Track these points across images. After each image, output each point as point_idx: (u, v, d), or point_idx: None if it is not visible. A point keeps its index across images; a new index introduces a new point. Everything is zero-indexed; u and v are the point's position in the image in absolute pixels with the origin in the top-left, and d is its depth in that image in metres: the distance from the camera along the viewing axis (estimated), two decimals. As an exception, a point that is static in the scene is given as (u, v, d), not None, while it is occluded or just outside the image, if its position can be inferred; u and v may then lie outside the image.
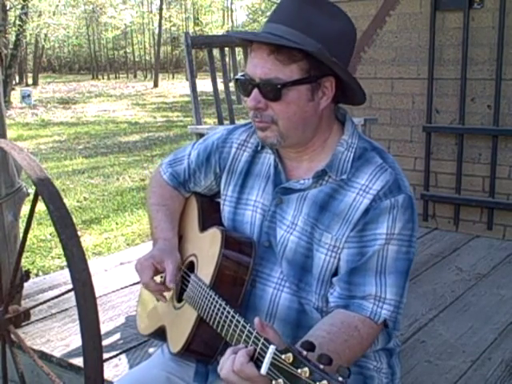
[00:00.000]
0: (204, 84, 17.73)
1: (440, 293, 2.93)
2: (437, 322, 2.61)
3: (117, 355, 2.33)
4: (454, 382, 2.14)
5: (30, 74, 31.58)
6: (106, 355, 2.11)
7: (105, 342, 2.22)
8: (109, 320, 2.66)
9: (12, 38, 21.22)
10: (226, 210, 1.46)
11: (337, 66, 1.23)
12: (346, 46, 1.28)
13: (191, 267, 1.43)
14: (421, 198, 3.99)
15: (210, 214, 1.50)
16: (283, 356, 0.91)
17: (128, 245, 4.97)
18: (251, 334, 1.04)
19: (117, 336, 2.50)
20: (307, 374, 0.86)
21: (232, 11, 45.22)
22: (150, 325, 1.56)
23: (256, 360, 0.99)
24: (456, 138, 3.83)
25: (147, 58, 41.00)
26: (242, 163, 1.44)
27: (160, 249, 1.40)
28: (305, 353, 0.90)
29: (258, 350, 1.00)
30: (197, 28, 37.58)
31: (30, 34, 30.34)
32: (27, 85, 27.77)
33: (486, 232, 3.79)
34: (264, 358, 0.95)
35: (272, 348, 0.94)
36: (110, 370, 2.19)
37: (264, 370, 0.94)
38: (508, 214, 3.72)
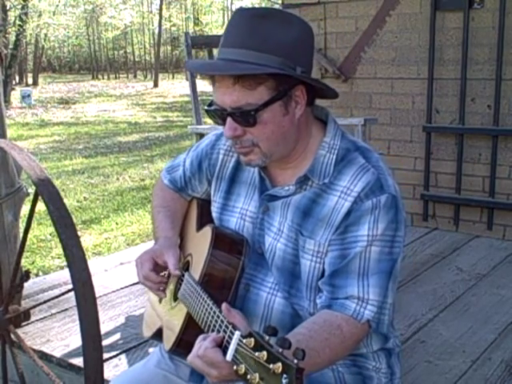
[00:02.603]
0: (204, 84, 17.68)
1: (440, 293, 2.93)
2: (437, 322, 2.61)
3: (117, 355, 2.33)
4: (454, 382, 2.14)
5: (30, 74, 31.56)
6: (106, 355, 2.12)
7: (105, 342, 2.22)
8: (109, 320, 2.66)
9: (12, 37, 21.23)
10: (214, 216, 1.47)
11: (303, 76, 1.21)
12: (307, 50, 1.25)
13: (188, 267, 1.44)
14: (421, 198, 4.00)
15: (208, 215, 1.50)
16: (245, 341, 0.94)
17: (128, 245, 4.97)
18: (223, 322, 1.07)
19: (117, 336, 2.51)
20: (265, 358, 0.89)
21: (232, 11, 45.25)
22: (151, 327, 1.57)
23: (224, 347, 1.02)
24: (456, 137, 3.83)
25: (147, 58, 40.96)
26: (230, 169, 1.44)
27: (160, 245, 1.42)
28: (267, 337, 0.92)
29: (226, 337, 1.03)
30: (197, 28, 37.56)
31: (30, 34, 30.33)
32: (27, 85, 27.75)
33: (486, 232, 3.79)
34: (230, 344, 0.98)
35: (237, 334, 0.97)
36: (109, 370, 2.19)
37: (229, 356, 0.96)
38: (508, 213, 3.72)
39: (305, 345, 1.09)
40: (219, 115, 1.24)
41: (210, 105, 1.26)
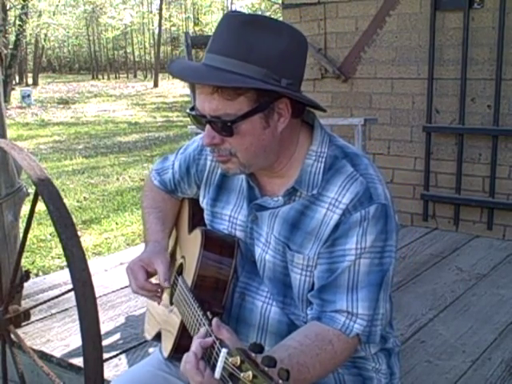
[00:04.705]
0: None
1: (440, 293, 2.93)
2: (437, 322, 2.61)
3: (117, 355, 2.33)
4: (454, 382, 2.14)
5: (30, 74, 31.54)
6: (106, 355, 2.11)
7: (105, 342, 2.22)
8: (109, 320, 2.66)
9: (12, 37, 21.23)
10: (206, 223, 1.45)
11: (286, 91, 1.16)
12: (296, 61, 1.20)
13: (182, 270, 1.43)
14: (421, 198, 4.00)
15: (199, 215, 1.47)
16: (230, 359, 0.92)
17: (128, 245, 4.96)
18: (211, 336, 1.06)
19: (117, 336, 2.51)
20: (250, 378, 0.87)
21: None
22: (151, 330, 1.57)
23: (212, 364, 1.01)
24: (456, 137, 3.83)
25: (147, 58, 40.96)
26: (218, 176, 1.41)
27: (148, 251, 1.39)
28: (253, 355, 0.91)
29: (214, 354, 1.02)
30: (197, 28, 37.55)
31: (30, 34, 30.30)
32: (27, 85, 27.74)
33: (486, 232, 3.79)
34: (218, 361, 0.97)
35: (224, 352, 0.95)
36: (109, 370, 2.19)
37: (217, 374, 0.95)
38: (508, 213, 3.72)
39: (296, 360, 1.09)
40: (199, 120, 1.21)
41: (192, 108, 1.23)
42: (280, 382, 0.86)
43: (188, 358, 1.04)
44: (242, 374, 0.89)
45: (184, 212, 1.56)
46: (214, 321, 1.07)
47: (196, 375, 1.02)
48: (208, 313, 1.16)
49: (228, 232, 1.37)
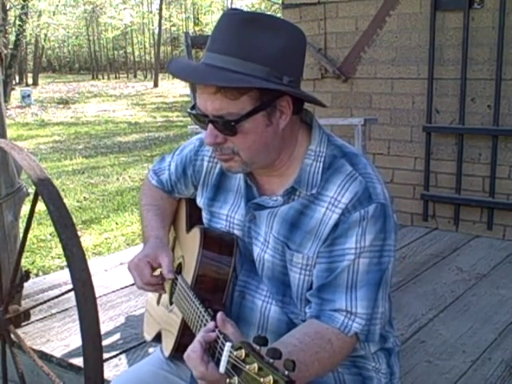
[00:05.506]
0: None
1: (440, 293, 2.94)
2: (437, 322, 2.61)
3: (117, 355, 2.33)
4: (454, 382, 2.14)
5: (30, 74, 31.52)
6: (106, 355, 2.12)
7: (105, 342, 2.22)
8: (109, 320, 2.66)
9: (12, 37, 21.23)
10: (204, 222, 1.45)
11: (288, 88, 1.17)
12: (296, 58, 1.21)
13: (181, 269, 1.43)
14: (421, 198, 4.00)
15: (197, 214, 1.48)
16: (235, 353, 0.93)
17: (128, 245, 4.97)
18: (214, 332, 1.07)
19: (117, 336, 2.51)
20: (256, 370, 0.88)
21: (232, 11, 44.96)
22: (151, 330, 1.57)
23: (217, 359, 1.02)
24: (456, 137, 3.83)
25: (147, 58, 40.94)
26: (215, 176, 1.41)
27: (152, 247, 1.39)
28: (257, 348, 0.91)
29: (218, 348, 1.02)
30: (197, 28, 37.55)
31: (30, 34, 30.29)
32: (27, 85, 27.72)
33: (486, 232, 3.79)
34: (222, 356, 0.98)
35: (228, 346, 0.96)
36: (110, 370, 2.19)
37: (222, 368, 0.96)
38: (508, 213, 3.72)
39: (295, 357, 1.07)
40: (201, 120, 1.21)
41: (193, 107, 1.23)
42: (286, 372, 0.86)
43: (194, 348, 1.05)
44: (247, 367, 0.89)
45: (181, 212, 1.56)
46: (219, 315, 1.07)
47: (200, 365, 1.03)
48: (209, 310, 1.16)
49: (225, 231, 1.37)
